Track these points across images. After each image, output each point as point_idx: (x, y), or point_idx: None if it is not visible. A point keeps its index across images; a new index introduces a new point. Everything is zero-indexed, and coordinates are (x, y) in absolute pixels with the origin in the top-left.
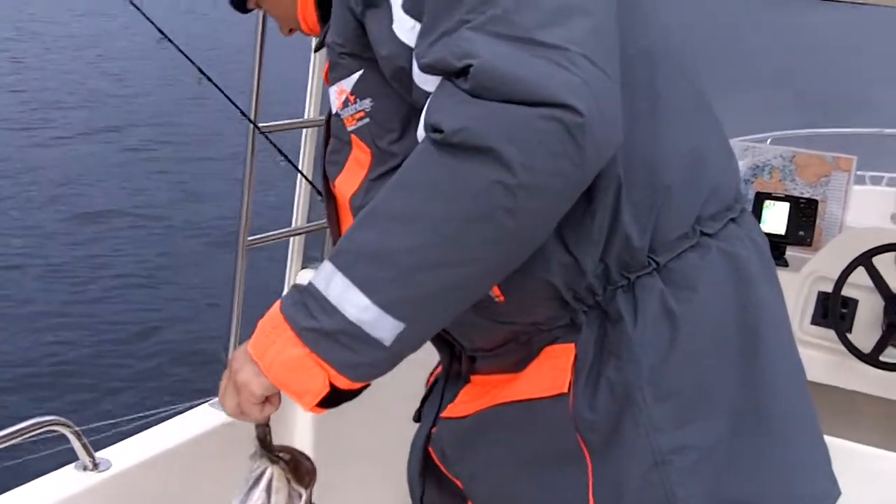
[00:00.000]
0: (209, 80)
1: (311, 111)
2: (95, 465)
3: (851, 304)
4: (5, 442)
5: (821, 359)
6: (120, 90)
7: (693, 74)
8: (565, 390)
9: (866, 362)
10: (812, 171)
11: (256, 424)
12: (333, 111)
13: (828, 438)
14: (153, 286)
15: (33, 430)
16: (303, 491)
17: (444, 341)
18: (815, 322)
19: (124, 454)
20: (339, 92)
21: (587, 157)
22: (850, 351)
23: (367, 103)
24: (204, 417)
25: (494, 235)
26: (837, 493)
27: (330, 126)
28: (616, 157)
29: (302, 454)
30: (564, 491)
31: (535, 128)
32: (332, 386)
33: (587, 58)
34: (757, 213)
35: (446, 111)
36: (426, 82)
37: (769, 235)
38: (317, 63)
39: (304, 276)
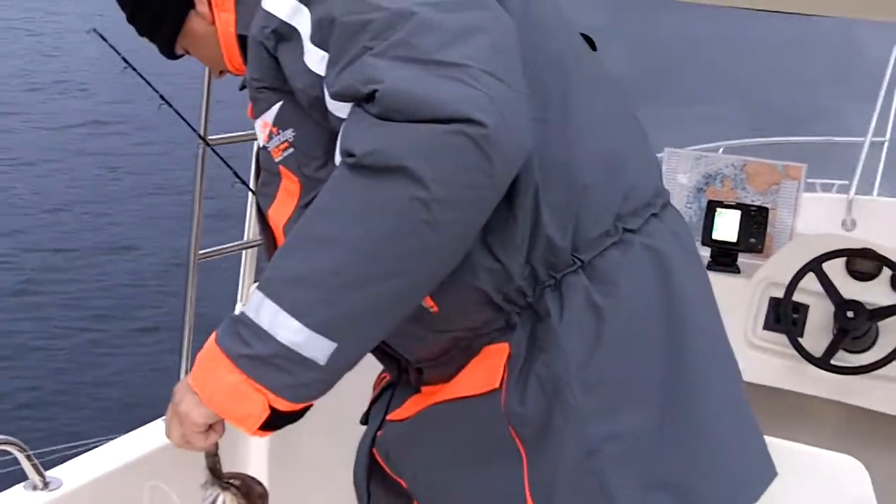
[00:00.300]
0: (167, 104)
1: None
2: (46, 485)
3: (803, 309)
4: None
5: (773, 363)
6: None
7: (607, 81)
8: (497, 386)
9: (818, 366)
10: (762, 180)
11: (206, 454)
12: (260, 144)
13: (781, 441)
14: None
15: None
16: None
17: (388, 356)
18: (767, 327)
19: (75, 473)
20: (263, 125)
21: (497, 168)
22: (802, 355)
23: (289, 133)
24: (156, 434)
25: (416, 250)
26: (771, 475)
27: (259, 160)
28: (532, 162)
29: (253, 479)
30: (501, 485)
31: (444, 143)
32: (272, 409)
33: (489, 73)
34: (709, 220)
35: (357, 135)
36: (339, 109)
37: (721, 243)
38: None
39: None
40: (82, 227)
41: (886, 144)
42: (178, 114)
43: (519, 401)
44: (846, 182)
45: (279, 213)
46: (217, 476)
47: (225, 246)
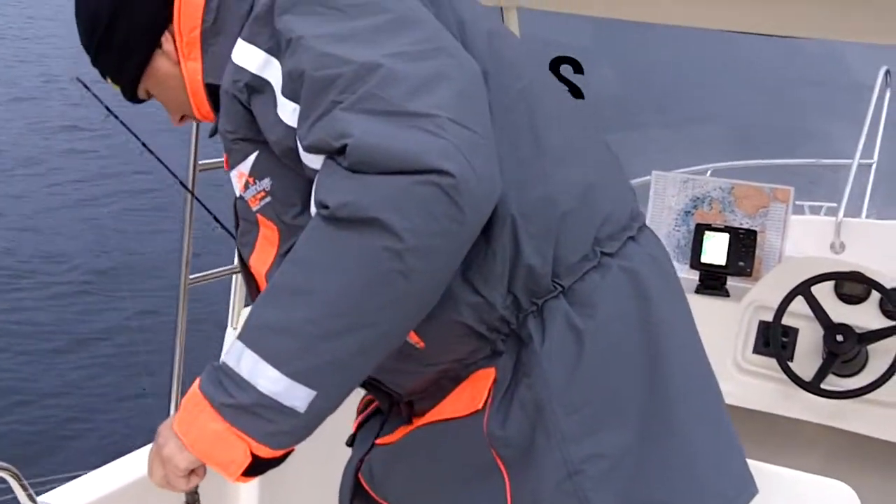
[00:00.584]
0: (150, 151)
1: None
2: None
3: (792, 333)
4: None
5: (763, 387)
6: None
7: (576, 109)
8: (480, 408)
9: (808, 390)
10: (751, 203)
11: (186, 493)
12: (237, 195)
13: (771, 466)
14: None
15: None
16: None
17: (380, 391)
18: (756, 351)
19: (67, 498)
20: (239, 176)
21: (467, 215)
22: (792, 379)
23: (266, 182)
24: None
25: (391, 298)
26: (751, 492)
27: (236, 210)
28: (509, 198)
29: None
30: None
31: (414, 194)
32: (254, 455)
33: (455, 121)
34: (697, 243)
35: (330, 188)
36: (312, 161)
37: (709, 266)
38: None
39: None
40: None
41: (874, 166)
42: (162, 163)
43: (501, 423)
44: (834, 204)
45: (260, 262)
46: None
47: (215, 270)
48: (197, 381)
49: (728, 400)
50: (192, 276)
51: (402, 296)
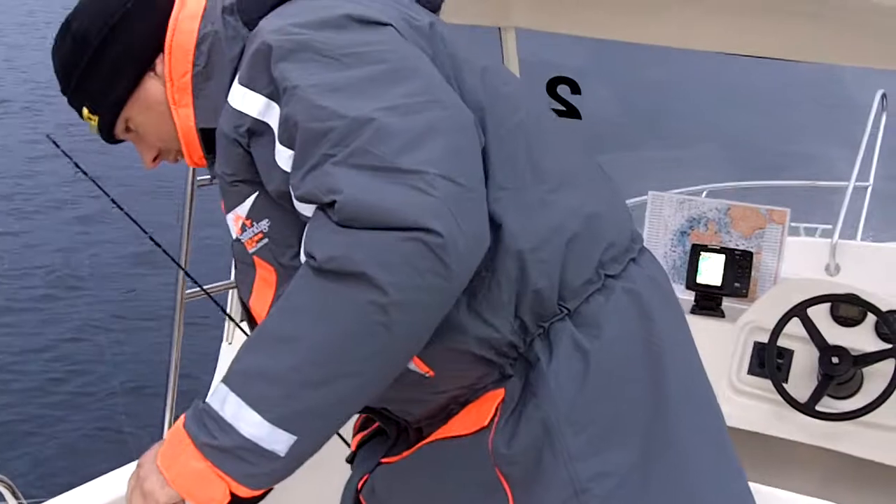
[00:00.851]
0: (129, 217)
1: None
2: None
3: (787, 354)
4: None
5: (758, 408)
6: None
7: (570, 136)
8: (486, 424)
9: (803, 412)
10: (747, 224)
11: None
12: (234, 237)
13: (766, 488)
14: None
15: None
16: None
17: (388, 419)
18: (751, 372)
19: None
20: (236, 219)
21: (453, 271)
22: (787, 401)
23: (264, 224)
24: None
25: (373, 350)
26: None
27: (234, 252)
28: (513, 227)
29: None
30: None
31: (400, 250)
32: (233, 494)
33: (444, 177)
34: (693, 264)
35: (319, 241)
36: (305, 209)
37: (705, 287)
38: None
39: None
40: None
41: (870, 189)
42: (147, 233)
43: (506, 441)
44: (829, 226)
45: (259, 304)
46: None
47: (212, 285)
48: (182, 418)
49: None
50: (188, 292)
51: (385, 348)
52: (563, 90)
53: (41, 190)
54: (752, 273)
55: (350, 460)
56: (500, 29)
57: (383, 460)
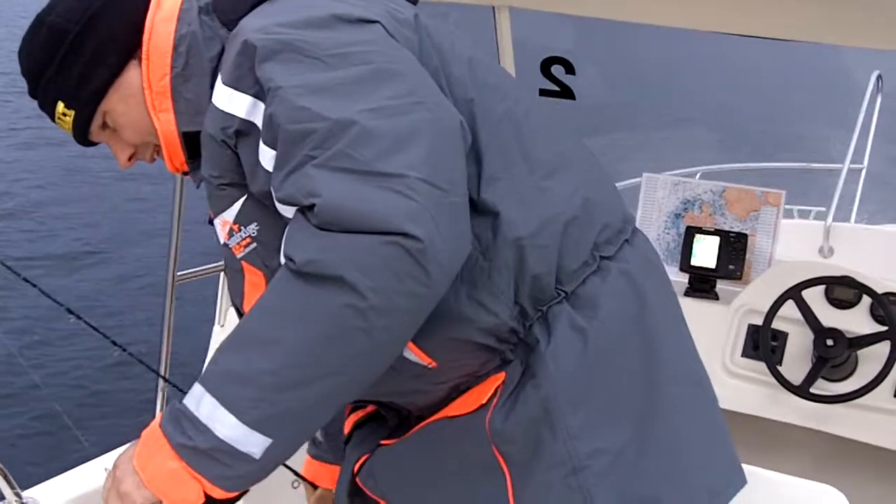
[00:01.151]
0: (122, 349)
1: None
2: None
3: (781, 336)
4: None
5: (752, 391)
6: None
7: (559, 123)
8: (484, 402)
9: (797, 394)
10: (742, 206)
11: None
12: (221, 242)
13: (760, 470)
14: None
15: None
16: None
17: (390, 409)
18: (745, 355)
19: (52, 493)
20: (223, 224)
21: (432, 276)
22: (781, 383)
23: (252, 228)
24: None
25: (350, 354)
26: (740, 483)
27: (223, 257)
28: (510, 216)
29: None
30: (485, 502)
31: (379, 254)
32: (207, 495)
33: (425, 181)
34: (687, 246)
35: (298, 243)
36: (285, 211)
37: (699, 269)
38: None
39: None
40: None
41: (864, 171)
42: (137, 359)
43: (503, 418)
44: (822, 209)
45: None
46: None
47: (203, 268)
48: (159, 417)
49: None
50: (179, 274)
51: (363, 352)
52: (557, 70)
53: None
54: (747, 255)
55: (345, 443)
56: (493, 8)
57: (383, 442)
